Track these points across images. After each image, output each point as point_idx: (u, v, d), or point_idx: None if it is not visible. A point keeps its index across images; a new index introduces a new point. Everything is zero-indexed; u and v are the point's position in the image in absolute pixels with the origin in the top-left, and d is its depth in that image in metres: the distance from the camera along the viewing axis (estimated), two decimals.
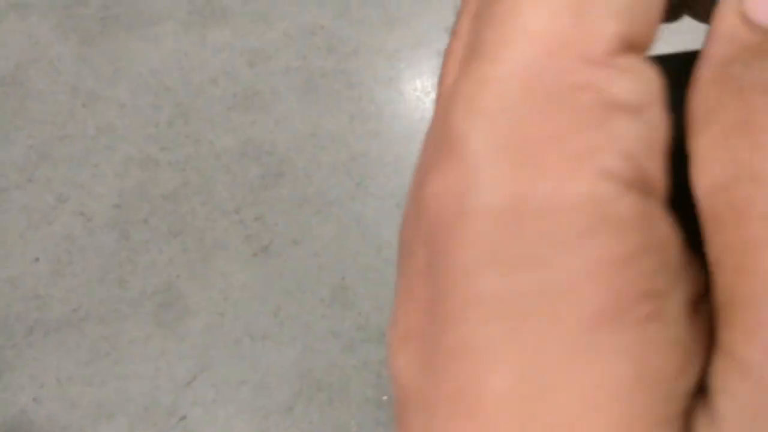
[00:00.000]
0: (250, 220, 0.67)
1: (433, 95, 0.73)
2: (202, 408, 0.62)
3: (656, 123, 0.12)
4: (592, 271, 0.11)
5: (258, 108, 0.71)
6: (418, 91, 0.73)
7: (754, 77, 0.12)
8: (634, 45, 0.12)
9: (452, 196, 0.12)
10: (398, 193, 0.67)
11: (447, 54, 0.14)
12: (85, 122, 0.73)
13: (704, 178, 0.12)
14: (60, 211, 0.69)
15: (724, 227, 0.11)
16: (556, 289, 0.11)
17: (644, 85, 0.12)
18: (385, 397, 0.62)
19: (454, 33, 0.13)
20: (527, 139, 0.11)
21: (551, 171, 0.11)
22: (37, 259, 0.67)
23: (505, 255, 0.11)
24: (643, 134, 0.12)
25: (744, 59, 0.12)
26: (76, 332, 0.64)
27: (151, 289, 0.65)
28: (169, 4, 0.78)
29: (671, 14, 0.17)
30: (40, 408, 0.62)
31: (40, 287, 0.66)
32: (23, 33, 0.77)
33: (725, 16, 0.13)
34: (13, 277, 0.66)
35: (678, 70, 0.14)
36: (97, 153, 0.71)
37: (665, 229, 0.11)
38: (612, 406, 0.10)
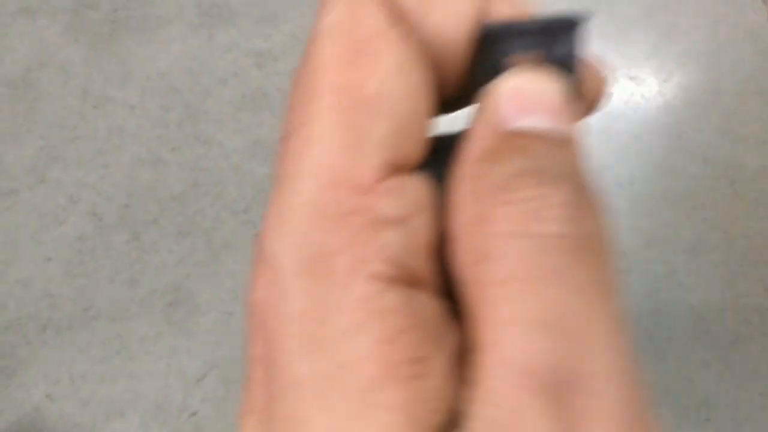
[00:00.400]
0: (259, 219, 0.67)
1: None
2: (213, 404, 0.62)
3: (420, 226, 0.15)
4: (369, 349, 0.14)
5: (266, 109, 0.72)
6: None
7: (491, 178, 0.15)
8: (401, 166, 0.16)
9: (270, 303, 0.15)
10: None
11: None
12: (95, 124, 0.73)
13: (457, 255, 0.16)
14: (71, 212, 0.69)
15: (468, 290, 0.15)
16: (346, 366, 0.14)
17: (407, 199, 0.15)
18: None
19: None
20: (318, 256, 0.15)
21: (337, 281, 0.15)
22: (49, 260, 0.67)
23: (312, 346, 0.15)
24: (406, 240, 0.15)
25: (487, 159, 0.16)
26: (87, 331, 0.65)
27: (162, 288, 0.66)
28: (177, 6, 0.78)
29: (448, 109, 0.20)
30: (53, 405, 0.62)
31: (52, 287, 0.66)
32: (33, 36, 0.78)
33: (482, 116, 0.16)
34: (25, 278, 0.67)
35: (455, 146, 0.17)
36: (107, 154, 0.72)
37: (428, 308, 0.15)
38: None
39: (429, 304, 0.15)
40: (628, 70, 0.74)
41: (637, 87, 0.73)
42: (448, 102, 0.19)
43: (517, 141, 0.15)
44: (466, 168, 0.16)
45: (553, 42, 0.18)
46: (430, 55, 0.17)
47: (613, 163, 0.70)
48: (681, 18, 0.77)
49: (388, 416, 0.14)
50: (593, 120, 0.73)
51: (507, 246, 0.14)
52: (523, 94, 0.16)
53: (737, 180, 0.69)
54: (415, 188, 0.16)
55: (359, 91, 0.16)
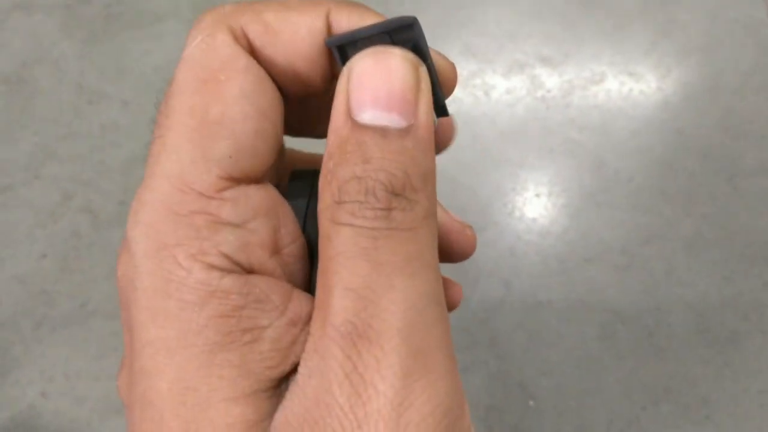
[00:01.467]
0: None
1: None
2: None
3: (257, 229, 0.19)
4: (209, 321, 0.18)
5: None
6: None
7: (335, 180, 0.19)
8: (242, 178, 0.19)
9: (127, 278, 0.19)
10: None
11: None
12: (90, 120, 0.73)
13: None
14: (66, 208, 0.69)
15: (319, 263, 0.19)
16: (190, 333, 0.18)
17: (246, 206, 0.19)
18: None
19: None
20: (165, 245, 0.18)
21: (181, 265, 0.18)
22: (45, 256, 0.67)
23: (158, 315, 0.18)
24: (241, 239, 0.19)
25: (333, 157, 0.19)
26: (83, 328, 0.65)
27: None
28: (172, 2, 0.78)
29: (296, 132, 0.26)
30: (48, 403, 0.62)
31: (47, 283, 0.66)
32: (28, 32, 0.77)
33: (337, 99, 0.19)
34: (20, 274, 0.66)
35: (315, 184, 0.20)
36: (102, 150, 0.72)
37: (265, 289, 0.19)
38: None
39: (268, 285, 0.19)
40: (626, 65, 0.74)
41: (636, 83, 0.73)
42: (321, 118, 0.22)
43: (359, 137, 0.18)
44: (324, 164, 0.19)
45: (394, 36, 0.20)
46: (291, 76, 0.21)
47: (611, 159, 0.70)
48: (679, 13, 0.76)
49: (227, 372, 0.18)
50: (591, 117, 0.72)
51: (338, 231, 0.18)
52: (370, 84, 0.19)
53: (737, 176, 0.69)
54: (256, 197, 0.20)
55: (206, 113, 0.19)
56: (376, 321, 0.17)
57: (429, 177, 0.19)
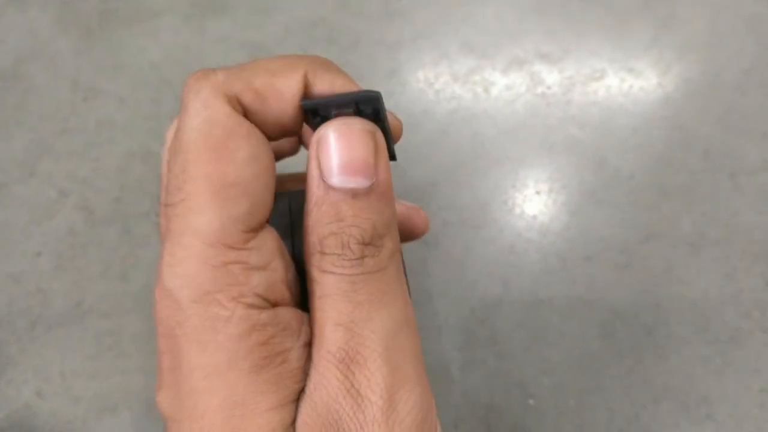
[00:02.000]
0: None
1: (434, 86, 0.73)
2: None
3: (276, 268, 0.24)
4: (250, 348, 0.22)
5: None
6: (420, 82, 0.72)
7: (315, 234, 0.24)
8: (257, 226, 0.23)
9: (173, 320, 0.23)
10: (400, 184, 0.67)
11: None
12: (86, 116, 0.72)
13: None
14: (62, 206, 0.68)
15: (310, 300, 0.25)
16: (234, 359, 0.22)
17: (266, 251, 0.24)
18: None
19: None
20: (208, 291, 0.22)
21: (225, 307, 0.22)
22: (40, 254, 0.67)
23: (209, 347, 0.22)
24: (268, 279, 0.23)
25: (312, 214, 0.24)
26: (79, 327, 0.64)
27: (154, 283, 0.65)
28: None
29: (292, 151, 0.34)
30: (43, 402, 0.62)
31: (42, 282, 0.66)
32: (23, 27, 0.77)
33: (310, 164, 0.24)
34: (15, 272, 0.66)
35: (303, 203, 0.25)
36: (98, 147, 0.71)
37: (288, 317, 0.24)
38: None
39: (289, 315, 0.24)
40: (627, 62, 0.73)
41: (636, 79, 0.73)
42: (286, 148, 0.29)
43: (332, 197, 0.23)
44: (307, 219, 0.24)
45: (360, 105, 0.24)
46: (276, 129, 0.25)
47: (611, 156, 0.69)
48: (680, 8, 0.76)
49: (266, 387, 0.22)
50: (591, 114, 0.72)
51: (323, 277, 0.23)
52: (336, 153, 0.23)
53: (738, 173, 0.68)
54: (270, 240, 0.24)
55: (224, 178, 0.22)
56: (362, 348, 0.23)
57: (392, 221, 0.24)
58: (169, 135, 0.30)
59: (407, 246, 0.63)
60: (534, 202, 0.68)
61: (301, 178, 0.33)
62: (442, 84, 0.72)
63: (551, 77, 0.74)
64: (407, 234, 0.38)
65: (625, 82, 0.72)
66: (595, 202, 0.68)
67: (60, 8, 0.78)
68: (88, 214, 0.68)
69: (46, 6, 0.78)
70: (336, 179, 0.23)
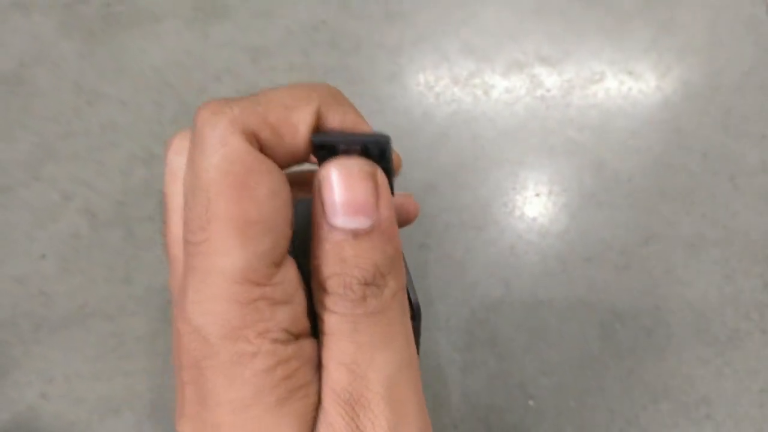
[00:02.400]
0: None
1: (434, 89, 0.73)
2: None
3: (298, 301, 0.24)
4: (277, 381, 0.23)
5: None
6: (421, 86, 0.73)
7: (321, 274, 0.25)
8: (280, 261, 0.24)
9: (201, 354, 0.23)
10: (401, 187, 0.67)
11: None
12: (89, 120, 0.73)
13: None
14: (65, 209, 0.69)
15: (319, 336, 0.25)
16: (260, 392, 0.23)
17: (289, 285, 0.24)
18: None
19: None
20: (235, 328, 0.23)
21: (252, 343, 0.23)
22: (44, 257, 0.67)
23: (236, 381, 0.23)
24: (292, 313, 0.24)
25: (317, 255, 0.25)
26: (83, 329, 0.64)
27: (158, 285, 0.65)
28: (171, 1, 0.78)
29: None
30: (47, 404, 0.62)
31: (46, 284, 0.66)
32: (26, 31, 0.77)
33: (315, 201, 0.25)
34: (19, 275, 0.66)
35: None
36: (101, 150, 0.71)
37: (309, 349, 0.24)
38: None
39: (310, 347, 0.24)
40: (626, 64, 0.74)
41: (635, 82, 0.73)
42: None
43: (335, 237, 0.24)
44: (313, 259, 0.25)
45: (368, 147, 0.24)
46: (289, 160, 0.25)
47: (611, 159, 0.70)
48: (679, 11, 0.76)
49: (290, 419, 0.23)
50: (591, 116, 0.72)
51: (327, 315, 0.24)
52: (338, 195, 0.23)
53: (737, 175, 0.69)
54: (291, 273, 0.24)
55: (247, 216, 0.22)
56: (366, 391, 0.23)
57: (395, 258, 0.24)
58: (173, 142, 0.29)
59: (408, 248, 0.63)
60: (534, 204, 0.69)
61: (301, 179, 0.33)
62: (442, 87, 0.73)
63: (551, 80, 0.74)
64: (401, 221, 0.39)
65: (624, 85, 0.73)
66: (595, 204, 0.68)
67: (63, 12, 0.78)
68: (91, 217, 0.68)
69: (49, 10, 0.78)
70: (337, 220, 0.23)
